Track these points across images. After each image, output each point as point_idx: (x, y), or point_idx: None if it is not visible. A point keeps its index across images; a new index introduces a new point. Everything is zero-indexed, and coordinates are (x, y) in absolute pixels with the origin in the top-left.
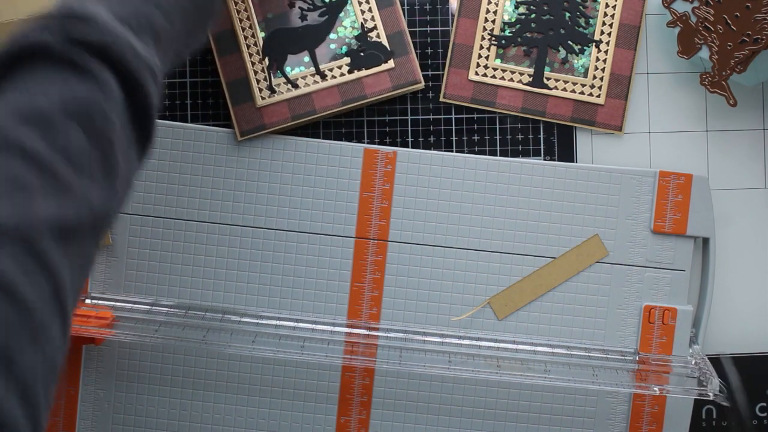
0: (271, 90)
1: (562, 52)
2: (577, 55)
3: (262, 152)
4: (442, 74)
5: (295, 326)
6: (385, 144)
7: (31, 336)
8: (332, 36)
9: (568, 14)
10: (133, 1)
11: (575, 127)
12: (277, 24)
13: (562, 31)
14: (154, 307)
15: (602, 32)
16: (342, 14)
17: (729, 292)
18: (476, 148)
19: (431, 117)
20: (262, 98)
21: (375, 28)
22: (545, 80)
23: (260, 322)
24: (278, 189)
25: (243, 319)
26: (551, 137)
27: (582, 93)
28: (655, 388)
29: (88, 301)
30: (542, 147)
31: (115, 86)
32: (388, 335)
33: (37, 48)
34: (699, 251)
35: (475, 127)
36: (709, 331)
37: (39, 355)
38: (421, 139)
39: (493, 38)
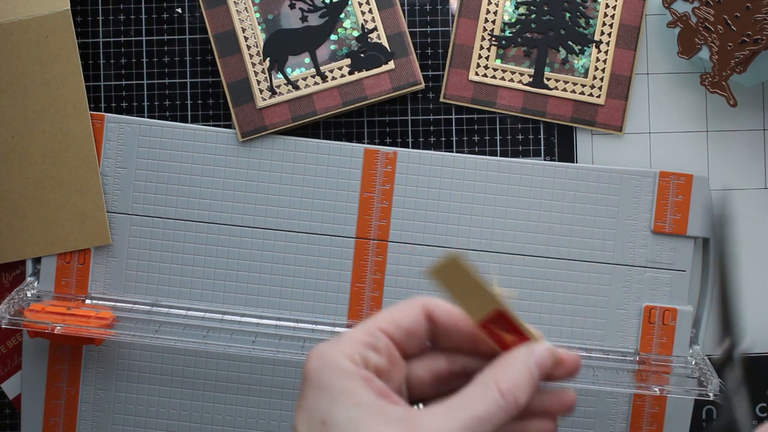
0: (272, 91)
1: (562, 53)
2: (577, 56)
3: (263, 152)
4: (442, 74)
5: (295, 326)
6: (385, 144)
7: None
8: (333, 37)
9: (568, 14)
10: None
11: (575, 127)
12: (277, 25)
13: (562, 32)
14: (154, 307)
15: (602, 32)
16: (342, 15)
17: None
18: (476, 149)
19: (431, 117)
20: (263, 99)
21: (375, 29)
22: (545, 80)
23: (260, 322)
24: (278, 189)
25: (243, 319)
26: (551, 137)
27: (582, 93)
28: (655, 389)
29: (88, 301)
30: (542, 147)
31: None
32: None
33: None
34: (699, 251)
35: (475, 127)
36: (709, 331)
37: None
38: (421, 139)
39: (494, 38)
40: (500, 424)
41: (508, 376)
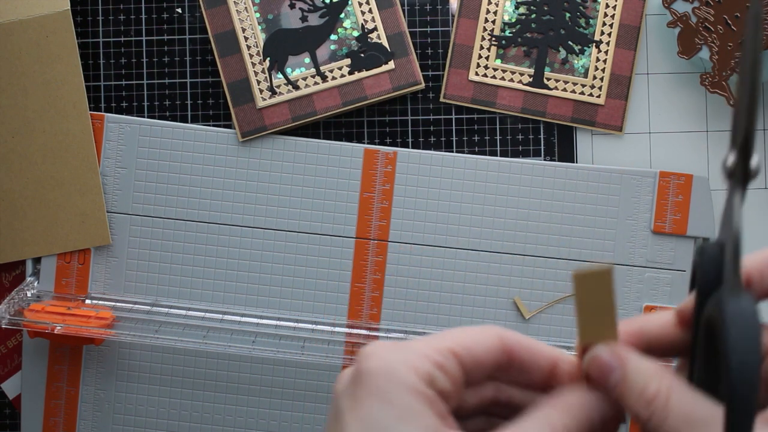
0: (272, 91)
1: (563, 53)
2: (577, 56)
3: (263, 152)
4: (442, 74)
5: (295, 326)
6: (385, 144)
7: None
8: (333, 37)
9: (568, 14)
10: None
11: (575, 127)
12: (277, 25)
13: (563, 32)
14: (154, 307)
15: (602, 32)
16: (342, 15)
17: None
18: (476, 148)
19: (431, 117)
20: (263, 99)
21: (375, 29)
22: (545, 80)
23: (260, 322)
24: (278, 189)
25: (243, 319)
26: (551, 137)
27: (582, 93)
28: None
29: (88, 301)
30: (542, 147)
31: None
32: (388, 335)
33: None
34: None
35: (475, 127)
36: None
37: None
38: (421, 139)
39: (494, 38)
40: None
41: (565, 417)
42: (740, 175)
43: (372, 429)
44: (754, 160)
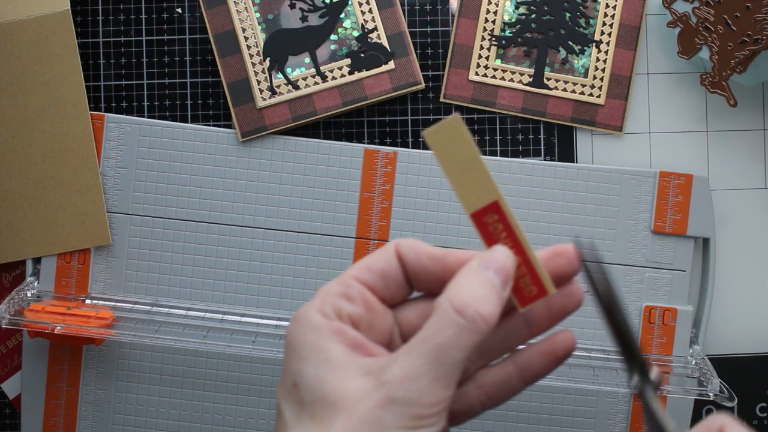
0: (272, 91)
1: (563, 53)
2: (577, 56)
3: (263, 152)
4: (442, 74)
5: None
6: (385, 144)
7: None
8: (333, 37)
9: (568, 14)
10: None
11: (575, 127)
12: (277, 25)
13: (563, 32)
14: (154, 307)
15: (602, 32)
16: (342, 15)
17: (729, 292)
18: None
19: (431, 117)
20: (263, 99)
21: (375, 29)
22: (545, 80)
23: (260, 322)
24: (278, 189)
25: (243, 319)
26: (551, 137)
27: (582, 93)
28: None
29: (88, 301)
30: (542, 147)
31: None
32: None
33: None
34: (699, 251)
35: (475, 127)
36: (709, 331)
37: None
38: (421, 139)
39: (494, 38)
40: (471, 346)
41: (463, 291)
42: (651, 388)
43: (286, 379)
44: (653, 374)
